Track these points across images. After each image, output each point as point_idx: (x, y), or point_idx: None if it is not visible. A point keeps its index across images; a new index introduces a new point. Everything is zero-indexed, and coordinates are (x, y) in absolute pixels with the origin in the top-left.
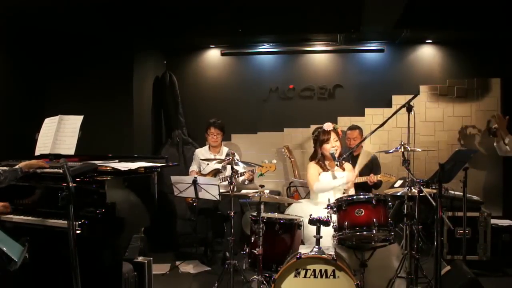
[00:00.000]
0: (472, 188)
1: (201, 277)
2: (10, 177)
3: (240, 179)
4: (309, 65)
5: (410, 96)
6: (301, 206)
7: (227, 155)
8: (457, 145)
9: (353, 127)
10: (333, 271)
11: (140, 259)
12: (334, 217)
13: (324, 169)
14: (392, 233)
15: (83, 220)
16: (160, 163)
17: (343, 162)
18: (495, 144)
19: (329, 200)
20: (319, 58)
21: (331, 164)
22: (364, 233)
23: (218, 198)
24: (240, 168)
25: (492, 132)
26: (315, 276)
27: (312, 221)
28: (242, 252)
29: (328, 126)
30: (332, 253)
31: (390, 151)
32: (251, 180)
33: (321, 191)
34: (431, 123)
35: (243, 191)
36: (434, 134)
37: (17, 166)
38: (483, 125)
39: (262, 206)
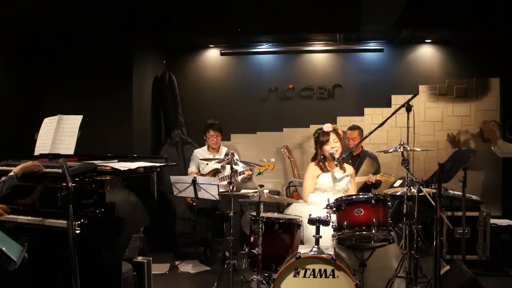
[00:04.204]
0: (471, 187)
1: (200, 277)
2: (7, 186)
3: (239, 178)
4: (309, 65)
5: (410, 96)
6: (301, 206)
7: (226, 155)
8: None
9: (353, 127)
10: (333, 271)
11: (139, 259)
12: (334, 217)
13: (324, 170)
14: (392, 233)
15: (82, 220)
16: (160, 163)
17: (343, 162)
18: (492, 148)
19: (328, 200)
20: (319, 58)
21: (331, 164)
22: (364, 232)
23: (218, 198)
24: (240, 167)
25: (486, 138)
26: (314, 276)
27: (311, 221)
28: (241, 252)
29: (327, 127)
30: (332, 253)
31: (390, 151)
32: (249, 178)
33: (312, 204)
34: (431, 123)
35: (243, 191)
36: (434, 134)
37: (12, 173)
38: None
39: (261, 206)
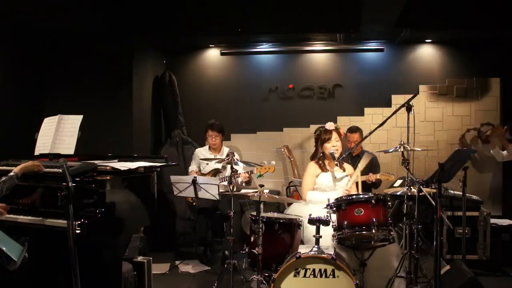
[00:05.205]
0: (471, 187)
1: (200, 277)
2: (8, 186)
3: (239, 180)
4: (309, 64)
5: (410, 96)
6: (301, 205)
7: (227, 155)
8: (457, 145)
9: (353, 130)
10: (333, 271)
11: (139, 258)
12: (334, 217)
13: (324, 169)
14: (392, 233)
15: (82, 220)
16: (160, 162)
17: (343, 162)
18: (491, 151)
19: (328, 200)
20: (319, 57)
21: (331, 164)
22: (364, 232)
23: (218, 198)
24: (240, 168)
25: (484, 139)
26: (314, 276)
27: (311, 221)
28: (241, 251)
29: (330, 125)
30: (332, 252)
31: (390, 151)
32: (247, 183)
33: (311, 202)
34: (431, 123)
35: (243, 191)
36: (434, 133)
37: (12, 173)
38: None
39: (261, 206)
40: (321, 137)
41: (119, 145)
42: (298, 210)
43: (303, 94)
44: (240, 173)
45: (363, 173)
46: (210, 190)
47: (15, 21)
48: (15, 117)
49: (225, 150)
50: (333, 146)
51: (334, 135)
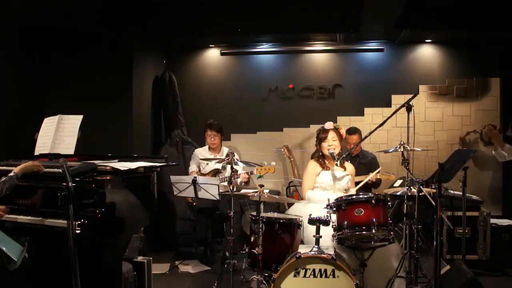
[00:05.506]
0: (471, 187)
1: (200, 277)
2: (8, 187)
3: (238, 180)
4: (309, 64)
5: (410, 96)
6: (301, 206)
7: (227, 155)
8: (457, 145)
9: (352, 132)
10: (333, 271)
11: (139, 258)
12: (334, 217)
13: (324, 167)
14: (392, 233)
15: (82, 220)
16: (160, 163)
17: (343, 161)
18: (493, 152)
19: (328, 200)
20: (319, 57)
21: (331, 162)
22: (364, 232)
23: (218, 198)
24: (240, 168)
25: (487, 142)
26: (314, 276)
27: (311, 221)
28: (241, 251)
29: (328, 125)
30: (332, 252)
31: (390, 151)
32: (246, 183)
33: (311, 201)
34: (431, 123)
35: (243, 191)
36: (434, 133)
37: (12, 173)
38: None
39: (261, 206)
40: (319, 136)
41: (119, 145)
42: (298, 210)
43: (303, 94)
44: (240, 174)
45: (362, 172)
46: (210, 190)
47: (15, 21)
48: (15, 117)
49: (225, 150)
50: (329, 145)
51: (332, 134)
